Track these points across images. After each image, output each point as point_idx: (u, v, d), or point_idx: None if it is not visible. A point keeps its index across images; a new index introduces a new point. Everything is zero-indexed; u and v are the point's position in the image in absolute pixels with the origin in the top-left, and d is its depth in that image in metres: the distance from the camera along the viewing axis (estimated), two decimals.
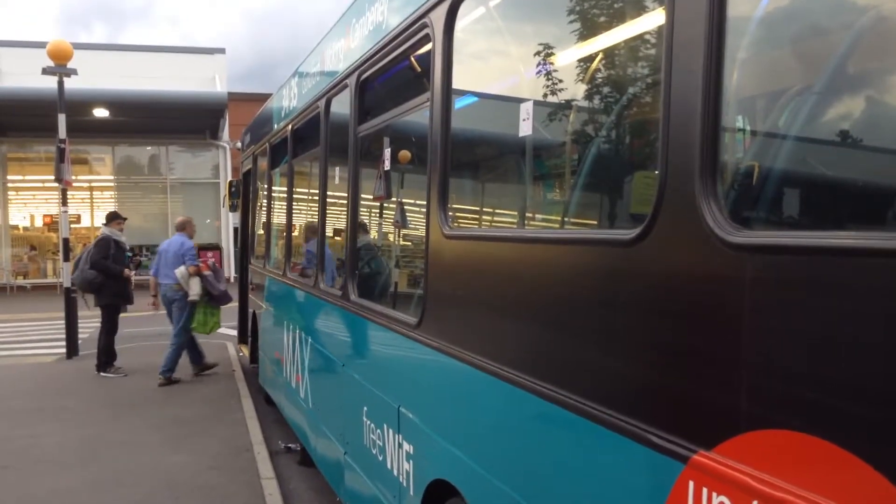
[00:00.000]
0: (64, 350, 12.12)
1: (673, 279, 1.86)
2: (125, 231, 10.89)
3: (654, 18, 2.13)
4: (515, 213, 3.66)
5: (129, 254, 11.00)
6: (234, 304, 12.43)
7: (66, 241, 12.73)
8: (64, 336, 12.17)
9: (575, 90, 2.78)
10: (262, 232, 9.96)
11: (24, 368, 11.39)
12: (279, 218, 8.54)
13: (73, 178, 13.21)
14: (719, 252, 1.68)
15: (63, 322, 12.23)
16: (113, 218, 10.84)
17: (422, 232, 3.51)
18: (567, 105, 2.85)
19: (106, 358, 10.60)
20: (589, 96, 2.78)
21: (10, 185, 26.47)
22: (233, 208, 12.62)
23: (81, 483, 6.18)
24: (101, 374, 10.48)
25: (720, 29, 1.73)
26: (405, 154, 4.78)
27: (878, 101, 1.71)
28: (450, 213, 3.28)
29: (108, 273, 10.27)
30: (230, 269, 25.70)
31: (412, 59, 3.95)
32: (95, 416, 8.35)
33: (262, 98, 10.54)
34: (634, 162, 2.58)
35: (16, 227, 27.45)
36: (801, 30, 1.90)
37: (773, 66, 1.99)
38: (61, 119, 11.97)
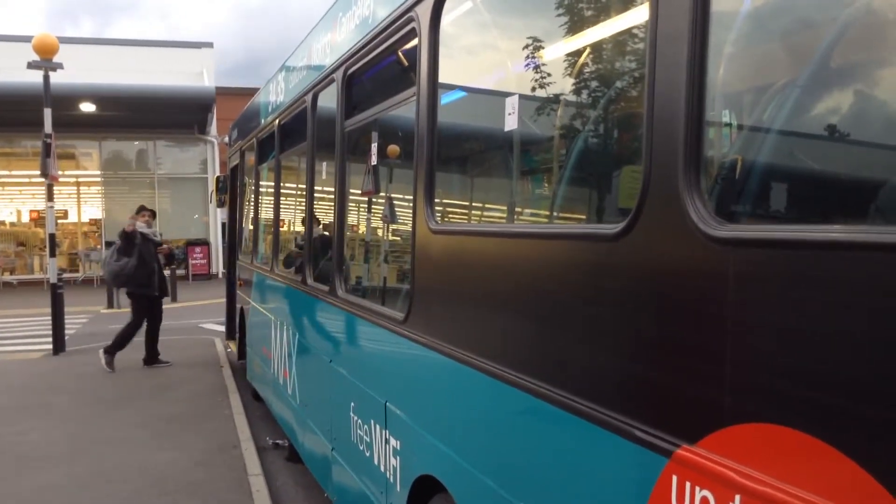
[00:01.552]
0: (51, 346, 12.05)
1: (657, 273, 1.86)
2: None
3: (639, 13, 2.13)
4: (501, 207, 3.66)
5: (161, 243, 11.02)
6: (222, 300, 12.41)
7: (52, 236, 12.65)
8: (51, 332, 12.10)
9: (560, 85, 2.77)
10: (249, 227, 9.93)
11: (10, 365, 11.32)
12: (267, 213, 8.52)
13: (60, 173, 13.12)
14: (703, 246, 1.68)
15: (49, 318, 12.16)
16: (139, 210, 11.01)
17: (409, 227, 3.51)
18: (552, 100, 2.85)
19: (111, 348, 10.55)
20: (574, 91, 2.78)
21: None
22: (220, 204, 12.56)
23: (68, 480, 6.15)
24: (103, 363, 10.43)
25: (704, 23, 1.73)
26: (392, 149, 4.77)
27: (860, 95, 1.72)
28: (436, 208, 3.27)
29: (128, 246, 10.32)
30: (218, 265, 25.69)
31: (399, 53, 3.93)
32: (82, 412, 8.31)
33: (250, 93, 10.50)
34: (619, 157, 2.58)
35: (2, 223, 27.29)
36: (785, 24, 1.91)
37: (756, 61, 1.99)
38: (47, 113, 11.88)
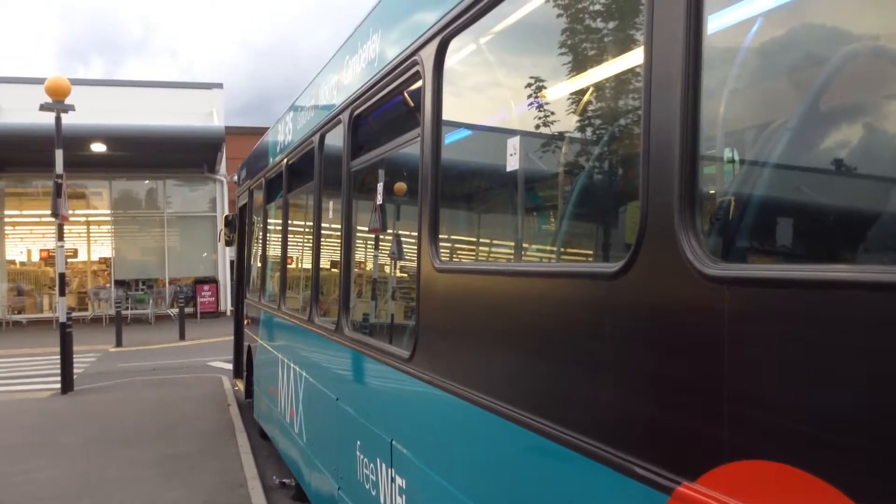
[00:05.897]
0: (59, 385, 12.06)
1: (655, 311, 1.89)
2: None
3: (635, 55, 2.18)
4: (504, 245, 3.69)
5: None
6: (230, 338, 12.43)
7: (62, 275, 12.73)
8: (59, 371, 12.12)
9: (558, 126, 2.82)
10: (257, 266, 9.98)
11: (19, 404, 11.33)
12: (274, 252, 8.57)
13: (70, 212, 13.24)
14: (699, 284, 1.71)
15: (58, 357, 12.19)
16: None
17: (414, 265, 3.54)
18: (551, 140, 2.90)
19: None
20: (572, 132, 2.83)
21: (7, 219, 26.51)
22: (228, 242, 12.65)
23: None
24: None
25: (697, 65, 1.77)
26: (397, 187, 4.83)
27: (852, 134, 1.75)
28: (441, 247, 3.31)
29: None
30: (226, 303, 25.73)
31: (403, 95, 4.00)
32: (90, 451, 8.30)
33: (259, 132, 10.63)
34: (616, 196, 2.62)
35: (12, 262, 27.44)
36: (776, 65, 1.95)
37: (749, 102, 2.03)
38: (59, 154, 12.03)
